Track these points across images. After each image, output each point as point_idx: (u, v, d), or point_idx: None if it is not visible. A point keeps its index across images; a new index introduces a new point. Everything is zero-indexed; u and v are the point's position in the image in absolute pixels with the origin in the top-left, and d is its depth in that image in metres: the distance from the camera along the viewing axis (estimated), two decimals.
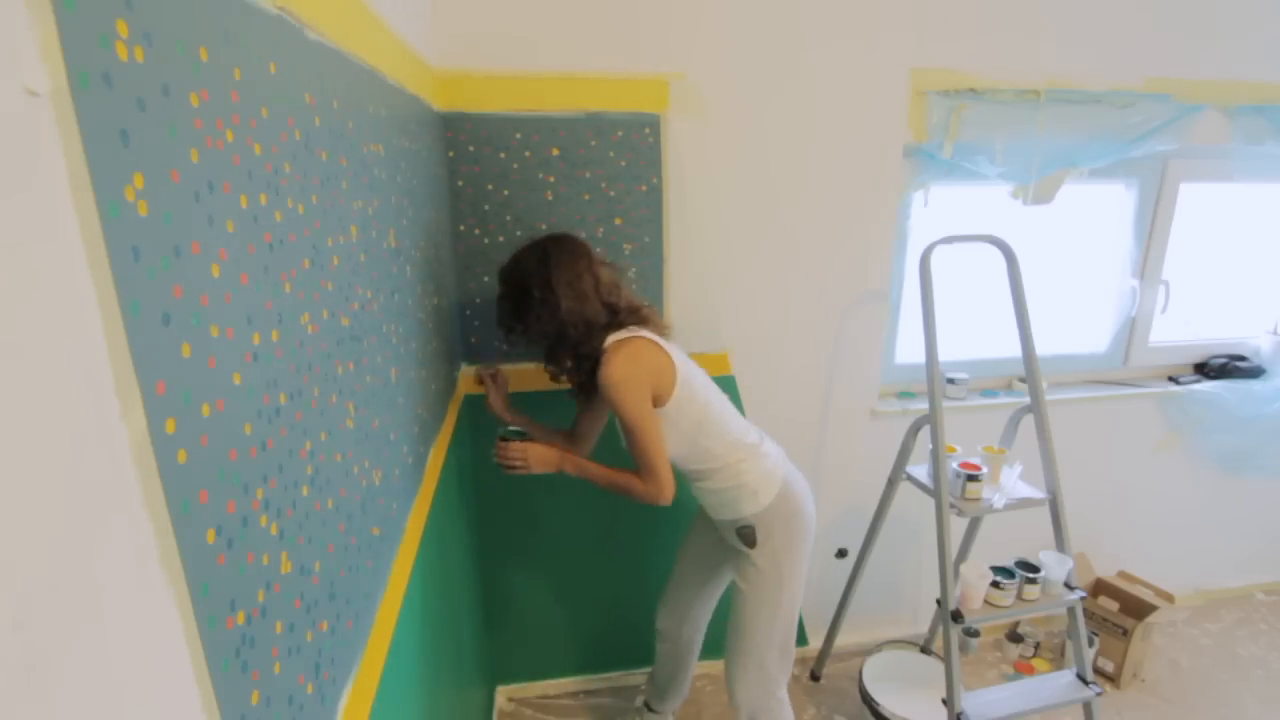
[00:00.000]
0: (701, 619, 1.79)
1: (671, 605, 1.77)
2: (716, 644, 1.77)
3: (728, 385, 1.97)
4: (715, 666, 2.22)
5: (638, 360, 1.36)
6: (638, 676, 2.20)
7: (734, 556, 1.56)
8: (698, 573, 1.72)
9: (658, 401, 1.38)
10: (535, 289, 1.37)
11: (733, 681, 1.57)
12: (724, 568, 1.67)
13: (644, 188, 1.76)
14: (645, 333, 1.42)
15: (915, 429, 1.88)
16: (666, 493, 1.39)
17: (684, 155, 1.76)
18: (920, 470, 1.88)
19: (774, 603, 1.50)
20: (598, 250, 1.49)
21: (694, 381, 1.42)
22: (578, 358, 1.42)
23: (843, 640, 2.21)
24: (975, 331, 2.17)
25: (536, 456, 1.45)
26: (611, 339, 1.39)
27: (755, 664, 1.53)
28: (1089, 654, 2.02)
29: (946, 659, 1.72)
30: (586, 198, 1.74)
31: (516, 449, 1.45)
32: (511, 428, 1.52)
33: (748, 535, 1.48)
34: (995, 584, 1.74)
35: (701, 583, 1.73)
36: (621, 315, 1.42)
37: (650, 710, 1.92)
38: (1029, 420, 1.82)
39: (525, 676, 2.16)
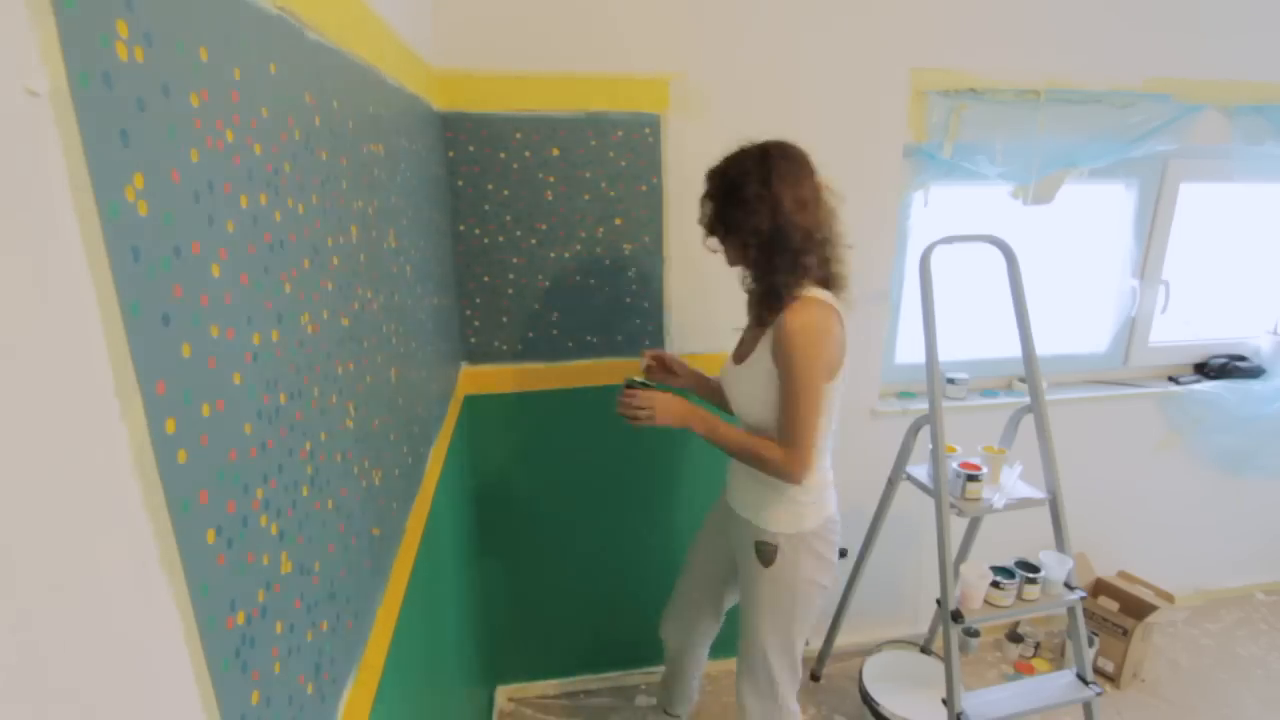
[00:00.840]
0: (709, 632, 1.72)
1: (677, 620, 1.69)
2: (720, 644, 1.77)
3: None
4: (715, 666, 2.22)
5: (829, 324, 1.24)
6: (637, 676, 2.20)
7: (746, 567, 1.45)
8: (707, 589, 1.64)
9: (829, 378, 1.28)
10: (753, 184, 1.24)
11: (742, 696, 1.51)
12: (733, 582, 1.59)
13: (644, 188, 1.76)
14: (832, 299, 1.30)
15: (915, 429, 1.88)
16: (803, 471, 1.27)
17: (684, 155, 1.76)
18: (920, 470, 1.88)
19: (788, 623, 1.42)
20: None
21: (845, 374, 1.33)
22: (782, 271, 1.26)
23: (843, 640, 2.21)
24: (975, 331, 2.17)
25: (664, 407, 1.33)
26: (815, 290, 1.27)
27: (765, 679, 1.47)
28: (1089, 654, 2.02)
29: (946, 659, 1.72)
30: (586, 198, 1.74)
31: (644, 397, 1.34)
32: (638, 378, 1.41)
33: (766, 553, 1.37)
34: (995, 584, 1.74)
35: (710, 599, 1.65)
36: (828, 267, 1.30)
37: (667, 714, 1.85)
38: (1029, 420, 1.82)
39: (525, 676, 2.16)
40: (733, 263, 1.34)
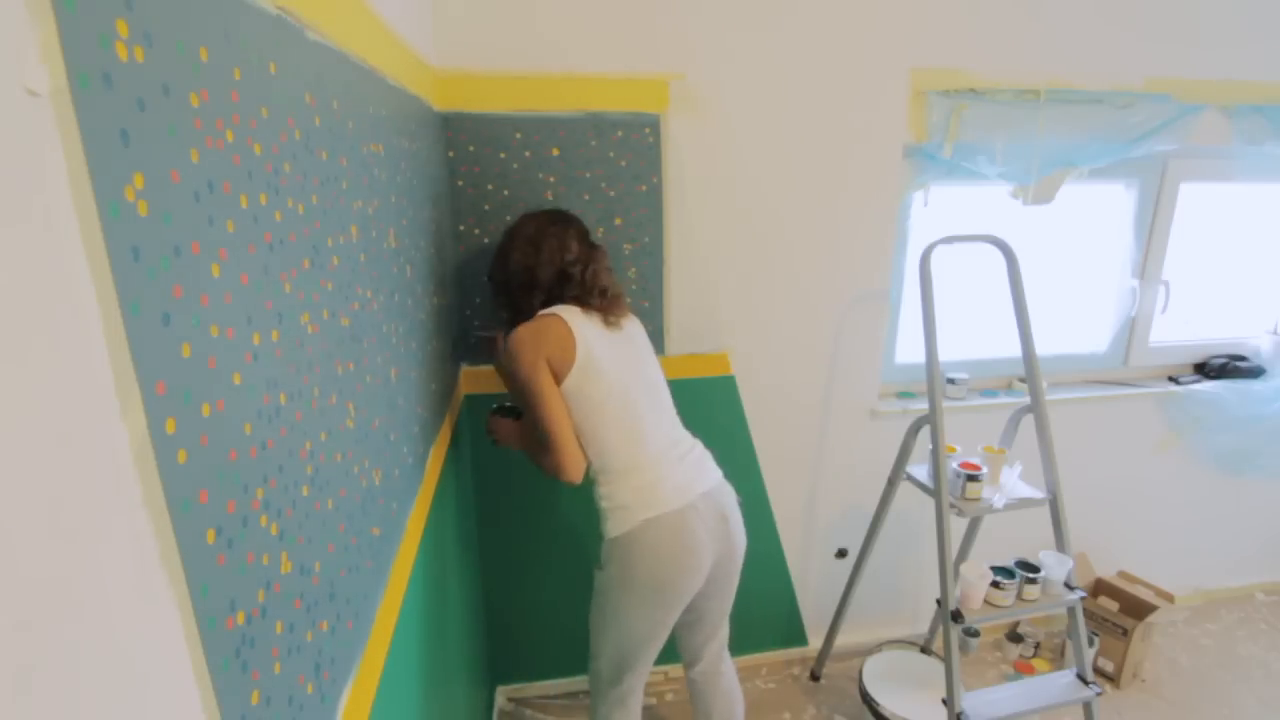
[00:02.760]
0: (700, 649, 1.62)
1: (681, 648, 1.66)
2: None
3: (727, 385, 1.97)
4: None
5: (539, 330, 1.35)
6: None
7: None
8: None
9: (556, 377, 1.34)
10: (506, 236, 1.47)
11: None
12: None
13: (644, 188, 1.76)
14: (573, 310, 1.39)
15: (915, 429, 1.88)
16: (569, 467, 1.33)
17: (684, 155, 1.76)
18: (920, 470, 1.88)
19: (601, 627, 1.46)
20: (600, 243, 1.50)
21: (603, 365, 1.35)
22: (510, 311, 1.47)
23: (843, 640, 2.21)
24: (975, 331, 2.17)
25: (500, 431, 1.55)
26: (543, 311, 1.39)
27: (592, 665, 1.54)
28: (1089, 654, 2.02)
29: (946, 659, 1.72)
30: (586, 198, 1.74)
31: (492, 422, 1.57)
32: (508, 404, 1.61)
33: (601, 553, 1.42)
34: (995, 584, 1.74)
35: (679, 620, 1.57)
36: (573, 289, 1.41)
37: None
38: (1029, 420, 1.82)
39: (525, 676, 2.16)
40: (501, 303, 1.52)
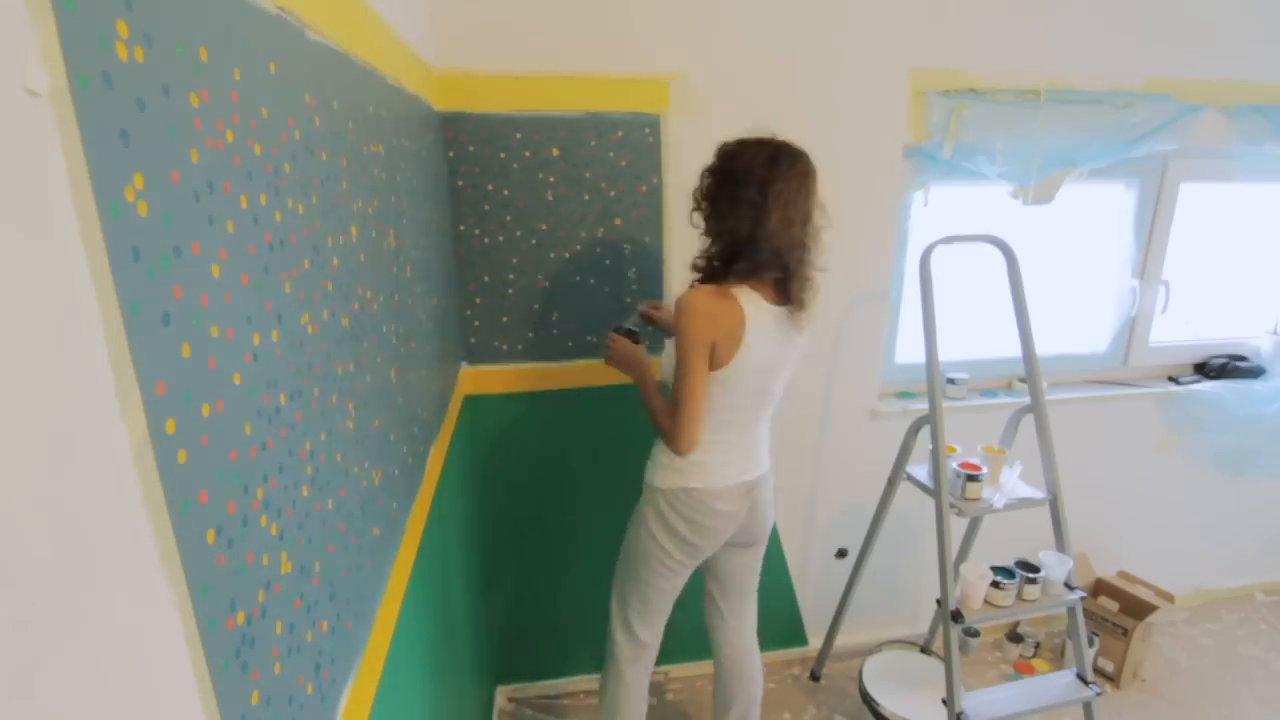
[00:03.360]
0: (724, 620, 1.71)
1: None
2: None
3: None
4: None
5: (718, 314, 1.30)
6: None
7: None
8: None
9: (714, 362, 1.32)
10: (751, 187, 1.27)
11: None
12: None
13: (644, 188, 1.76)
14: (758, 303, 1.33)
15: (915, 429, 1.88)
16: (681, 438, 1.35)
17: (684, 155, 1.76)
18: (920, 470, 1.88)
19: (623, 567, 1.58)
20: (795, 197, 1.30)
21: (744, 381, 1.36)
22: (735, 274, 1.34)
23: (843, 640, 2.21)
24: (975, 331, 2.17)
25: (617, 352, 1.51)
26: (735, 286, 1.33)
27: (613, 607, 1.63)
28: (1089, 654, 2.02)
29: (946, 659, 1.72)
30: (586, 198, 1.74)
31: (613, 339, 1.52)
32: (628, 325, 1.57)
33: (642, 489, 1.52)
34: (995, 584, 1.74)
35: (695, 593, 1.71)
36: (785, 260, 1.30)
37: None
38: (1029, 420, 1.82)
39: (525, 676, 2.16)
40: (705, 235, 1.39)
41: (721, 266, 1.35)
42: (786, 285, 1.35)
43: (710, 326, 1.30)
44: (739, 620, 1.70)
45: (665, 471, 1.46)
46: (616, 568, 1.61)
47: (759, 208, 1.26)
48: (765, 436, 1.53)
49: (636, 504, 1.54)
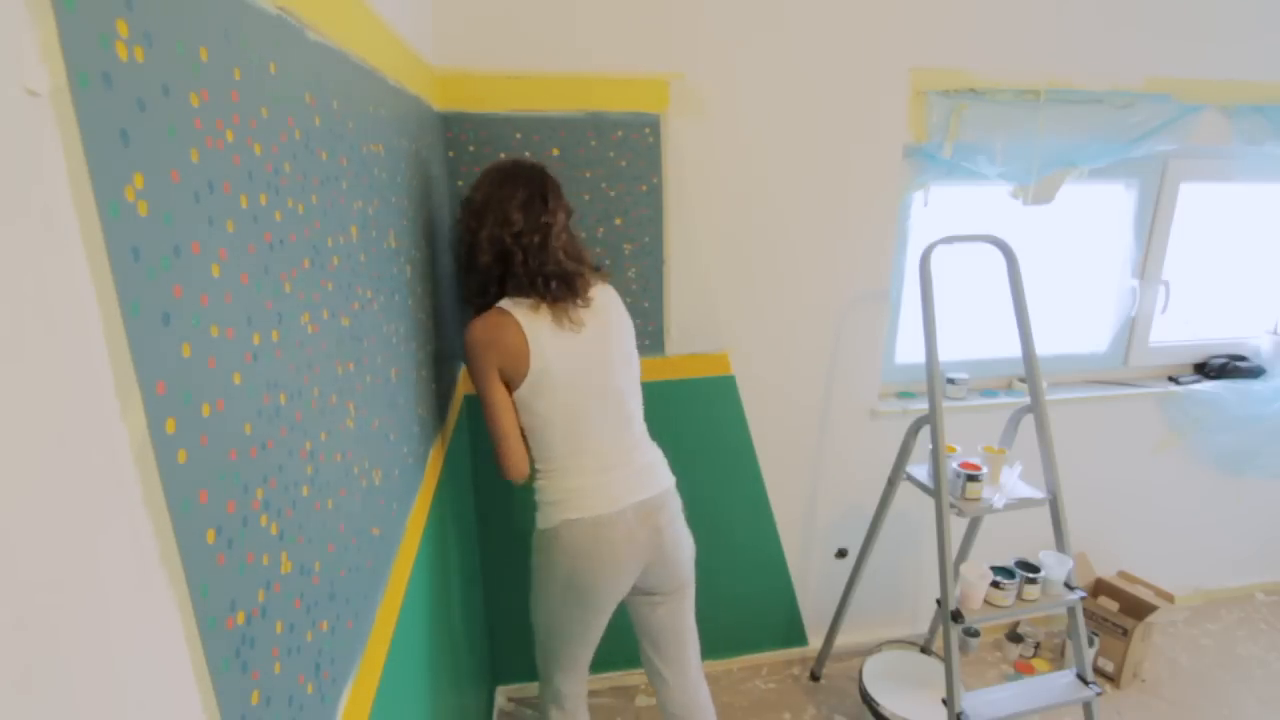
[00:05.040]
0: (664, 681, 1.57)
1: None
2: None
3: (727, 385, 1.97)
4: (710, 666, 2.23)
5: (493, 338, 1.27)
6: (637, 676, 2.20)
7: None
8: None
9: (508, 385, 1.30)
10: (465, 202, 1.32)
11: None
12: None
13: (644, 188, 1.76)
14: (524, 309, 1.28)
15: (915, 429, 1.88)
16: (510, 469, 1.33)
17: (684, 155, 1.76)
18: (920, 470, 1.88)
19: (532, 614, 1.45)
20: (558, 201, 1.33)
21: (556, 381, 1.29)
22: (465, 291, 1.36)
23: (843, 640, 2.21)
24: (975, 331, 2.17)
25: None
26: (499, 305, 1.30)
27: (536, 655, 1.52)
28: (1089, 654, 2.02)
29: (946, 659, 1.72)
30: (586, 198, 1.74)
31: None
32: None
33: (532, 542, 1.41)
34: (995, 584, 1.74)
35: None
36: (516, 278, 1.28)
37: None
38: (1029, 420, 1.82)
39: (525, 676, 2.16)
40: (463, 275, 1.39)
41: (479, 292, 1.34)
42: (532, 291, 1.29)
43: (488, 352, 1.28)
44: (681, 676, 1.56)
45: (543, 510, 1.36)
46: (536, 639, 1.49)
47: (473, 233, 1.29)
48: (647, 448, 1.43)
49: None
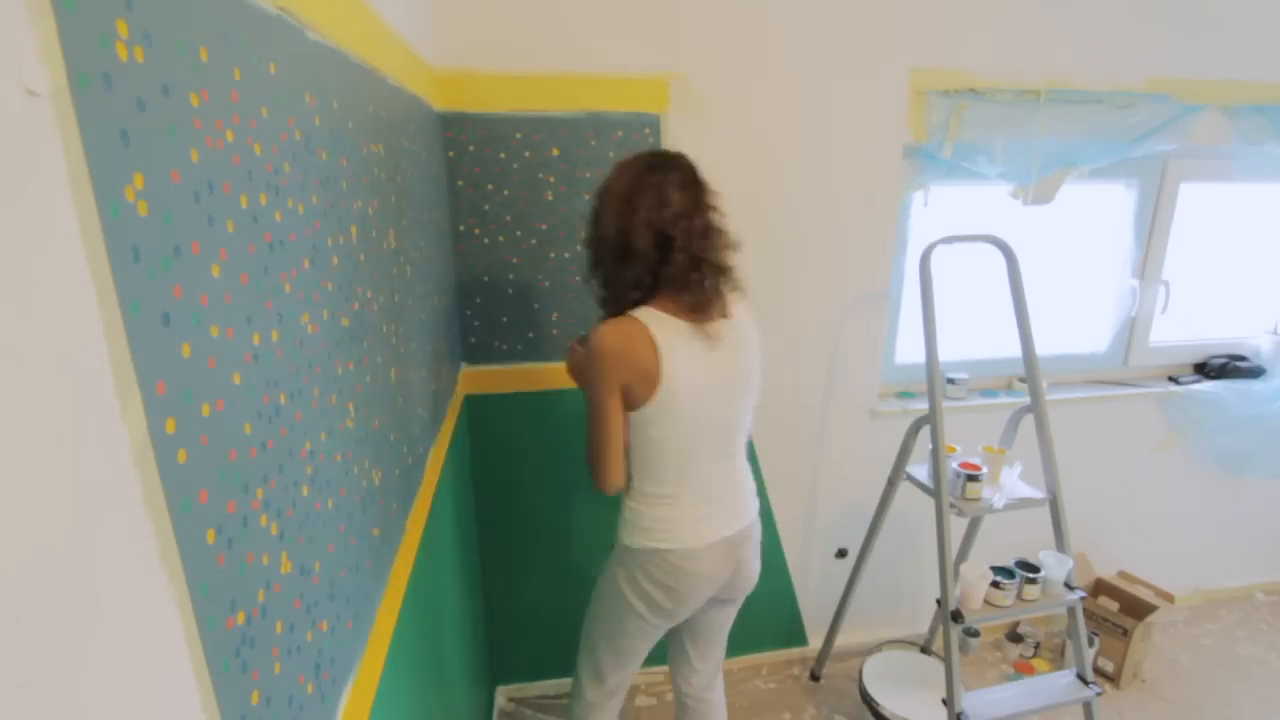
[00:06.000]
0: (694, 670, 1.57)
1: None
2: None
3: None
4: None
5: (625, 349, 1.17)
6: (638, 676, 2.20)
7: None
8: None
9: (628, 402, 1.22)
10: (597, 194, 1.21)
11: None
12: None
13: None
14: (664, 320, 1.18)
15: (915, 429, 1.88)
16: (606, 484, 1.26)
17: None
18: (920, 470, 1.88)
19: (594, 618, 1.45)
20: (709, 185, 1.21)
21: (680, 410, 1.21)
22: (604, 290, 1.23)
23: (843, 640, 2.21)
24: (975, 331, 2.17)
25: (573, 361, 1.36)
26: (635, 313, 1.19)
27: (582, 654, 1.52)
28: (1089, 654, 2.02)
29: (946, 659, 1.72)
30: (586, 198, 1.73)
31: (573, 350, 1.37)
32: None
33: (614, 548, 1.38)
34: (995, 584, 1.74)
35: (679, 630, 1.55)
36: (671, 267, 1.15)
37: None
38: (1029, 420, 1.82)
39: (525, 676, 2.16)
40: (595, 274, 1.29)
41: (633, 286, 1.20)
42: (679, 287, 1.18)
43: (617, 366, 1.17)
44: (707, 667, 1.57)
45: (633, 530, 1.31)
46: (587, 612, 1.49)
47: (625, 218, 1.16)
48: (744, 479, 1.39)
49: (609, 557, 1.43)
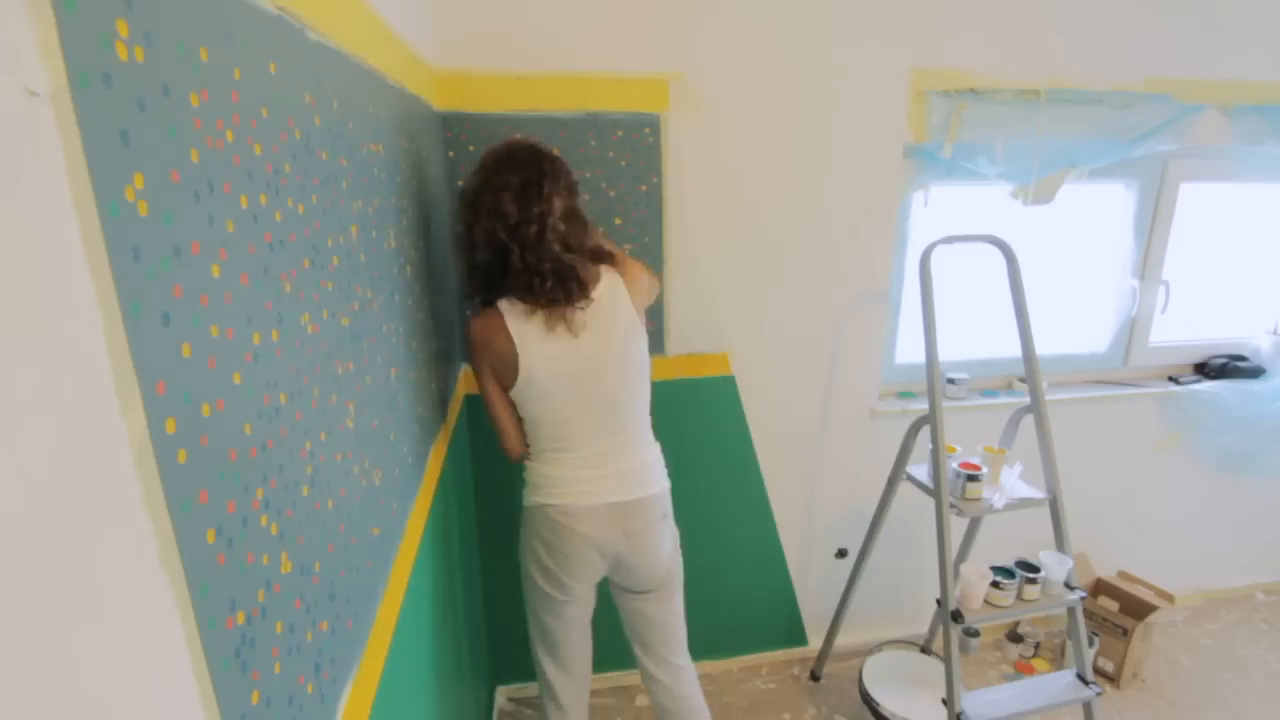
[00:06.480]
0: (654, 679, 1.58)
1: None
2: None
3: (727, 385, 1.97)
4: (713, 666, 2.22)
5: (486, 340, 1.30)
6: (637, 676, 2.20)
7: None
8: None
9: (502, 384, 1.34)
10: (460, 194, 1.31)
11: None
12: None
13: (644, 188, 1.76)
14: (518, 312, 1.27)
15: (915, 429, 1.88)
16: (506, 451, 1.43)
17: (684, 155, 1.76)
18: (920, 470, 1.88)
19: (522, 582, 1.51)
20: (563, 187, 1.27)
21: (543, 389, 1.30)
22: (478, 293, 1.32)
23: (843, 640, 2.21)
24: (975, 331, 2.17)
25: None
26: (504, 300, 1.28)
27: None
28: (1089, 654, 2.01)
29: (946, 659, 1.72)
30: (586, 198, 1.73)
31: None
32: None
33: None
34: (995, 584, 1.74)
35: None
36: (511, 275, 1.24)
37: None
38: (1029, 420, 1.82)
39: (525, 676, 2.16)
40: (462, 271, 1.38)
41: (482, 288, 1.31)
42: (526, 290, 1.25)
43: (482, 353, 1.31)
44: (669, 673, 1.56)
45: (527, 490, 1.43)
46: None
47: (468, 224, 1.26)
48: (638, 451, 1.40)
49: None
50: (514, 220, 1.21)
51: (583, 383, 1.32)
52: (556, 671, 1.54)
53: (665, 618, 1.53)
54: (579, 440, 1.36)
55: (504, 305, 1.29)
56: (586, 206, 1.73)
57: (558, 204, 1.25)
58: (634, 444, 1.41)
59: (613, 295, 1.33)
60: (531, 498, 1.42)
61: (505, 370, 1.31)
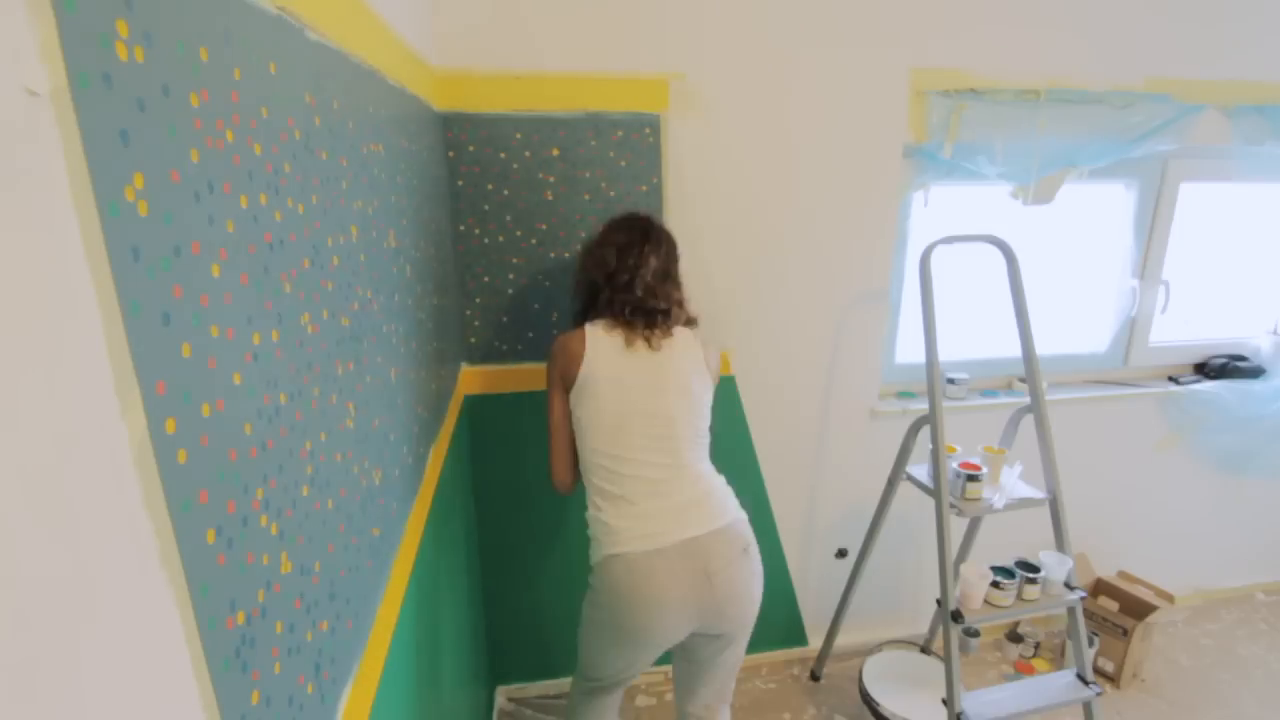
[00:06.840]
0: (692, 693, 1.53)
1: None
2: None
3: (727, 385, 1.97)
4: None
5: (562, 344, 1.41)
6: (637, 677, 2.20)
7: None
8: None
9: (564, 386, 1.40)
10: (583, 245, 1.52)
11: None
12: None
13: (644, 188, 1.76)
14: (599, 325, 1.40)
15: (915, 429, 1.88)
16: (555, 479, 1.47)
17: (684, 155, 1.76)
18: (920, 470, 1.88)
19: (580, 643, 1.45)
20: (657, 247, 1.44)
21: (599, 388, 1.34)
22: (577, 317, 1.49)
23: (843, 640, 2.21)
24: (975, 331, 2.17)
25: None
26: (589, 323, 1.43)
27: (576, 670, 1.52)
28: (1089, 654, 2.01)
29: (946, 659, 1.72)
30: (586, 198, 1.74)
31: None
32: None
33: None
34: (995, 584, 1.74)
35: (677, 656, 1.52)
36: (604, 300, 1.41)
37: None
38: (1029, 420, 1.82)
39: (525, 676, 2.16)
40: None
41: (580, 314, 1.48)
42: (616, 310, 1.41)
43: (555, 358, 1.41)
44: (710, 692, 1.51)
45: (591, 547, 1.39)
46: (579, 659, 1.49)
47: (583, 268, 1.48)
48: (699, 477, 1.36)
49: None
50: (611, 269, 1.41)
51: (640, 393, 1.36)
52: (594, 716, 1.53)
53: (731, 663, 1.47)
54: (635, 462, 1.32)
55: (588, 324, 1.42)
56: (586, 206, 1.75)
57: (653, 262, 1.42)
58: (691, 472, 1.36)
59: (686, 343, 1.44)
60: (598, 552, 1.35)
61: (568, 368, 1.38)
